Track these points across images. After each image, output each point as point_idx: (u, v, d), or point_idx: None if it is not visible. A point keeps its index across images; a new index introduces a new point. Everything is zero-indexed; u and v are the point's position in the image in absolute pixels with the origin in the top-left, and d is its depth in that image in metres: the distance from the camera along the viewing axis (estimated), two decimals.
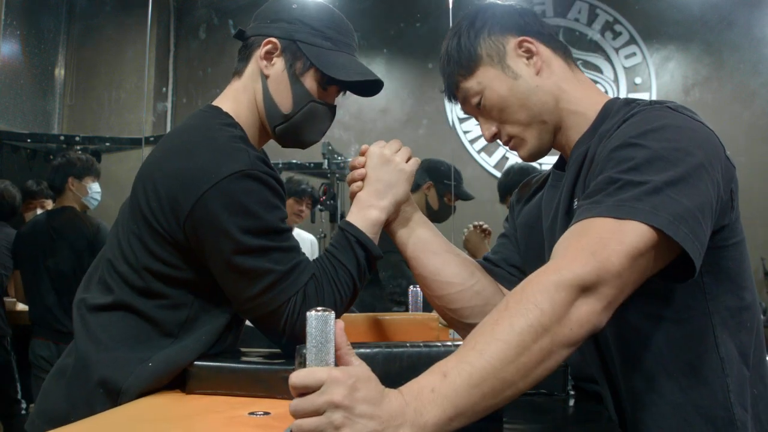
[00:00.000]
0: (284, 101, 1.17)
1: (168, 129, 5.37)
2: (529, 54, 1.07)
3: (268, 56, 1.17)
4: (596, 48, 5.13)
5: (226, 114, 1.16)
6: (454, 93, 1.12)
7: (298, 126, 1.18)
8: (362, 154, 1.17)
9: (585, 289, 0.74)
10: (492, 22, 1.09)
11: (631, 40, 5.11)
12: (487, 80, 1.07)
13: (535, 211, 1.17)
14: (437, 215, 2.78)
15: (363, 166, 1.15)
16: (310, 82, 1.16)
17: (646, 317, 0.93)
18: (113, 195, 4.21)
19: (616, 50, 5.12)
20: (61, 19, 5.45)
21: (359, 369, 0.68)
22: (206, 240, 1.03)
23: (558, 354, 0.73)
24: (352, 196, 1.16)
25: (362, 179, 1.15)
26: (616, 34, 5.12)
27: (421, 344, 0.92)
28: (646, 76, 5.08)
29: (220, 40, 5.49)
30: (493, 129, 1.08)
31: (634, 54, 5.10)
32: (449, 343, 0.94)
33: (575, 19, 5.18)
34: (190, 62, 5.57)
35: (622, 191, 0.81)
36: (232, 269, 1.03)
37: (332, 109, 1.22)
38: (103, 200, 4.89)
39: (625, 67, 5.11)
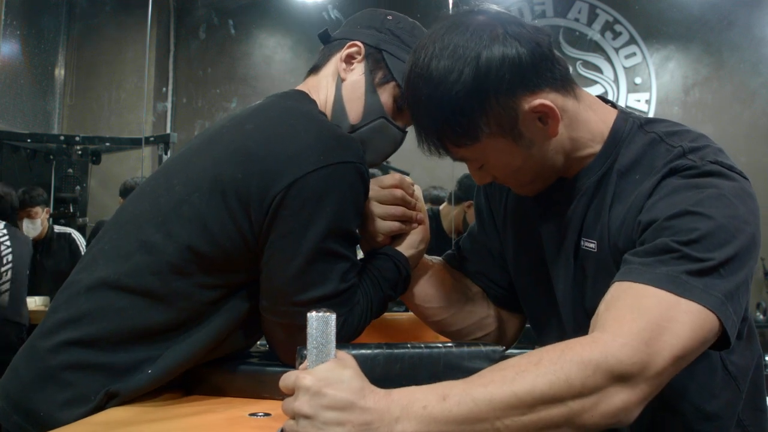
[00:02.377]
0: (354, 110, 1.09)
1: (168, 129, 5.38)
2: (544, 116, 0.90)
3: (350, 59, 1.11)
4: (596, 48, 5.13)
5: (315, 102, 1.09)
6: (437, 152, 0.94)
7: (361, 140, 1.06)
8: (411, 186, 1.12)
9: (623, 378, 0.70)
10: (500, 79, 0.86)
11: (631, 40, 5.11)
12: (494, 152, 0.91)
13: (521, 221, 1.10)
14: None
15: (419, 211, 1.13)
16: (386, 97, 1.09)
17: None
18: (113, 196, 4.22)
19: (616, 50, 5.12)
20: (61, 19, 5.45)
21: (330, 371, 0.67)
22: (287, 222, 0.93)
23: (564, 431, 0.70)
24: (399, 231, 1.11)
25: (420, 224, 1.13)
26: (616, 34, 5.12)
27: (423, 345, 0.92)
28: (646, 76, 5.08)
29: (220, 40, 5.49)
30: (489, 179, 0.98)
31: (634, 54, 5.10)
32: (450, 344, 0.94)
33: (575, 19, 5.18)
34: (190, 62, 5.57)
35: (678, 263, 0.78)
36: (299, 264, 0.94)
37: (401, 135, 1.12)
38: (102, 200, 4.90)
39: (625, 67, 5.11)
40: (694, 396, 0.94)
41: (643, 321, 0.74)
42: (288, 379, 0.69)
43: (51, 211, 4.14)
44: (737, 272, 0.79)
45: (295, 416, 0.67)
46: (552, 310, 1.04)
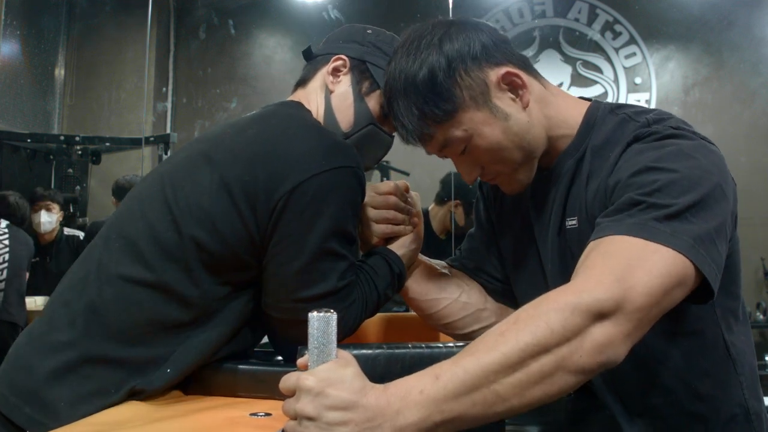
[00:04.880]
0: (345, 118, 1.14)
1: (168, 129, 5.37)
2: (513, 87, 0.97)
3: (336, 72, 1.16)
4: (596, 48, 5.13)
5: (310, 111, 1.14)
6: (421, 136, 0.99)
7: (354, 146, 1.12)
8: (406, 190, 1.18)
9: (602, 315, 0.71)
10: (464, 53, 0.96)
11: (631, 40, 5.10)
12: (474, 125, 0.96)
13: (515, 218, 1.14)
14: (462, 231, 2.95)
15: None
16: (373, 104, 1.15)
17: (661, 334, 0.92)
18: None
19: (616, 50, 5.11)
20: (61, 19, 5.45)
21: (331, 371, 0.67)
22: (290, 224, 0.97)
23: (560, 378, 0.70)
24: (392, 233, 1.15)
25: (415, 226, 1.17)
26: (616, 34, 5.12)
27: (423, 345, 0.92)
28: (646, 76, 5.08)
29: (220, 40, 5.48)
30: (477, 171, 1.02)
31: (634, 54, 5.10)
32: (451, 344, 0.94)
33: (575, 19, 5.18)
34: (190, 62, 5.56)
35: (644, 213, 0.80)
36: (301, 263, 0.98)
37: (390, 139, 1.19)
38: (102, 200, 4.89)
39: (625, 67, 5.10)
40: (686, 374, 0.95)
41: (613, 262, 0.76)
42: (289, 380, 0.69)
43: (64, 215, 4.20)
44: (706, 219, 0.81)
45: (297, 417, 0.67)
46: (543, 292, 1.07)
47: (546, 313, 0.71)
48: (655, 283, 0.74)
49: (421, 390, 0.67)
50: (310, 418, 0.65)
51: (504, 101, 0.97)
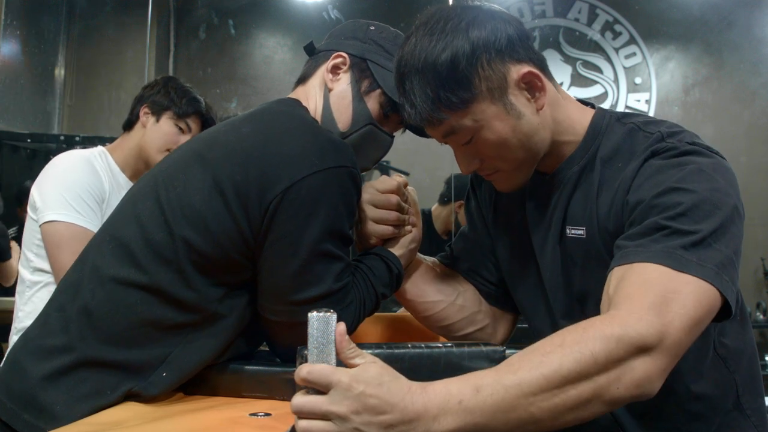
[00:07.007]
0: (343, 118, 1.12)
1: None
2: (531, 88, 0.95)
3: (335, 70, 1.14)
4: (596, 48, 5.13)
5: (307, 109, 1.12)
6: (430, 120, 0.94)
7: (352, 146, 1.08)
8: (406, 185, 1.17)
9: (644, 349, 0.73)
10: (490, 43, 0.92)
11: (631, 40, 5.10)
12: (485, 118, 0.93)
13: (511, 223, 1.13)
14: None
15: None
16: (373, 103, 1.12)
17: None
18: None
19: (616, 50, 5.11)
20: (61, 19, 5.44)
21: (369, 373, 0.67)
22: (284, 225, 0.95)
23: (594, 407, 0.72)
24: (392, 236, 1.14)
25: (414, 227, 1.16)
26: (616, 34, 5.12)
27: (423, 345, 0.92)
28: (646, 76, 5.07)
29: (220, 40, 5.48)
30: (476, 164, 0.99)
31: (634, 54, 5.09)
32: (450, 344, 0.94)
33: (575, 19, 5.17)
34: (190, 62, 5.56)
35: (669, 239, 0.82)
36: (296, 265, 0.96)
37: (389, 140, 1.16)
38: None
39: (625, 67, 5.10)
40: (685, 376, 0.96)
41: (651, 295, 0.77)
42: (320, 377, 0.67)
43: None
44: (727, 242, 0.83)
45: (330, 416, 0.66)
46: (541, 298, 1.08)
47: (593, 341, 0.72)
48: (690, 316, 0.77)
49: (460, 400, 0.68)
50: (347, 419, 0.65)
51: (519, 100, 0.95)
